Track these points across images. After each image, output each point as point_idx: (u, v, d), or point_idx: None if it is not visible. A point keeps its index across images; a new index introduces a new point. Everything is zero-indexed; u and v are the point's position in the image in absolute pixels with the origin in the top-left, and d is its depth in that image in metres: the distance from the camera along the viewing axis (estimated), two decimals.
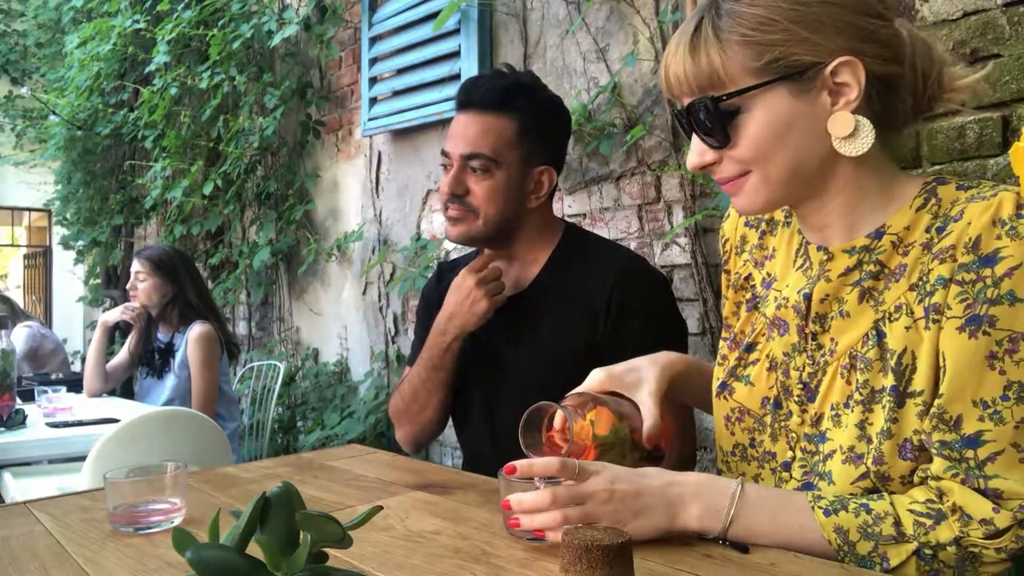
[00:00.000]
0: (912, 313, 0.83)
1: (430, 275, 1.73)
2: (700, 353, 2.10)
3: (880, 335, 0.86)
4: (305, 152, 3.94)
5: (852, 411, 0.86)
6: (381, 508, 0.66)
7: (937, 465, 0.80)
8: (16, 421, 2.43)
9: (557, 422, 0.94)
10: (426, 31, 2.92)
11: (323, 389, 3.73)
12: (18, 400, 2.52)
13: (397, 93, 3.18)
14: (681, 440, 1.33)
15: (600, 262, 1.42)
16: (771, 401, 0.96)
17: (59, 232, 6.57)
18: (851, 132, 0.83)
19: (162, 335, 2.99)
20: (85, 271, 6.45)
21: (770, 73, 0.83)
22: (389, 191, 3.39)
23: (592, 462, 0.86)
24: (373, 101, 3.31)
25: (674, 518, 0.83)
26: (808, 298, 0.91)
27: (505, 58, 2.69)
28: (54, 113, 5.59)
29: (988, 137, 1.53)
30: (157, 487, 0.97)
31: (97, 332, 3.05)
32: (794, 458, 0.93)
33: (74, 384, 3.19)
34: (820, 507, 0.82)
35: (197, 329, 2.86)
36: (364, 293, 3.58)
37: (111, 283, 5.81)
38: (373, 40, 3.28)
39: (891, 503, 0.81)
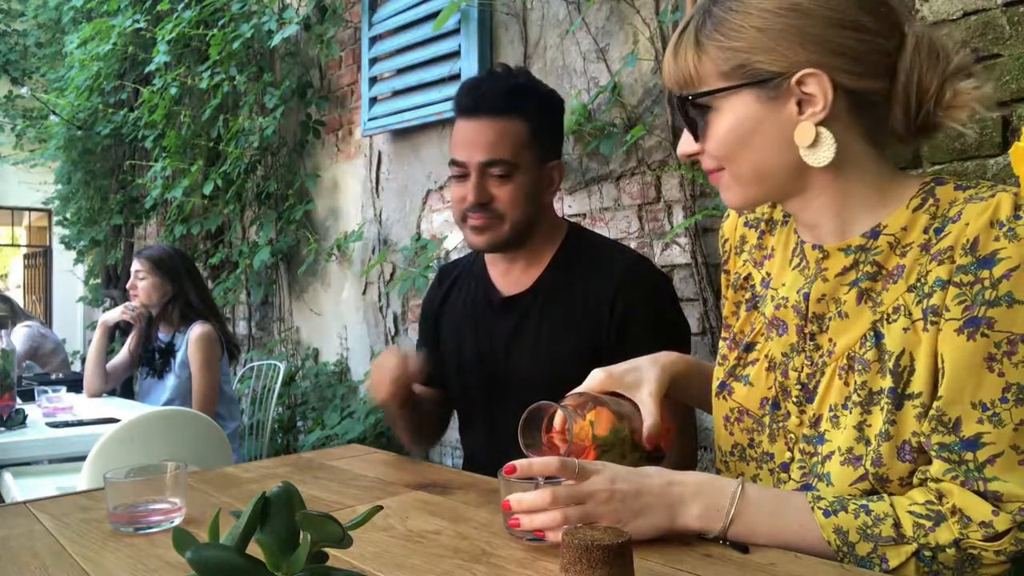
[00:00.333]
0: (910, 315, 0.83)
1: (431, 276, 1.73)
2: (700, 353, 2.10)
3: (878, 336, 0.86)
4: (305, 152, 3.94)
5: (850, 412, 0.86)
6: (381, 508, 0.66)
7: (936, 467, 0.80)
8: (16, 421, 2.43)
9: (557, 422, 0.94)
10: (426, 31, 2.92)
11: (323, 389, 3.73)
12: (18, 400, 2.52)
13: (397, 93, 3.18)
14: (682, 440, 1.33)
15: (604, 263, 1.41)
16: (769, 402, 0.96)
17: (59, 232, 6.57)
18: (812, 143, 0.84)
19: (162, 335, 2.99)
20: (85, 271, 6.45)
21: (736, 78, 0.86)
22: (389, 191, 3.39)
23: (592, 462, 0.86)
24: (373, 101, 3.31)
25: (674, 518, 0.84)
26: (807, 298, 0.91)
27: (505, 58, 2.69)
28: (54, 113, 5.59)
29: (988, 137, 1.53)
30: (157, 487, 0.97)
31: (97, 332, 3.05)
32: (792, 459, 0.93)
33: (74, 384, 3.19)
34: (820, 508, 0.82)
35: (198, 329, 2.86)
36: (364, 293, 3.58)
37: (111, 283, 5.82)
38: (373, 40, 3.28)
39: (891, 504, 0.81)
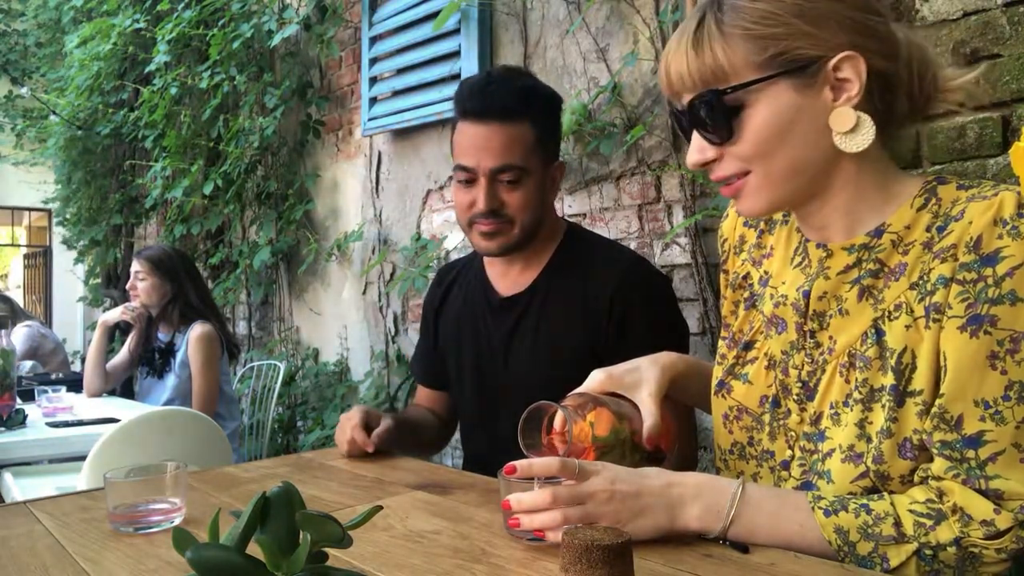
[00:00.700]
0: (912, 312, 0.83)
1: (431, 276, 1.73)
2: (700, 353, 2.10)
3: (879, 333, 0.86)
4: (305, 152, 3.94)
5: (851, 410, 0.86)
6: (381, 508, 0.66)
7: (938, 465, 0.80)
8: (16, 421, 2.43)
9: (557, 423, 0.93)
10: (426, 31, 2.92)
11: (323, 389, 3.73)
12: (18, 400, 2.52)
13: (397, 93, 3.18)
14: (682, 441, 1.33)
15: (602, 264, 1.41)
16: (769, 400, 0.96)
17: (59, 232, 6.57)
18: (852, 127, 0.84)
19: (162, 335, 2.99)
20: (85, 271, 6.45)
21: (773, 67, 0.83)
22: (389, 191, 3.39)
23: (592, 462, 0.86)
24: (373, 101, 3.31)
25: (674, 518, 0.83)
26: (807, 296, 0.91)
27: (505, 58, 2.69)
28: (54, 113, 5.60)
29: (988, 137, 1.53)
30: (157, 487, 0.97)
31: (97, 332, 3.05)
32: (793, 457, 0.93)
33: (74, 384, 3.19)
34: (820, 507, 0.82)
35: (198, 329, 2.86)
36: (364, 293, 3.58)
37: (111, 283, 5.82)
38: (373, 40, 3.28)
39: (891, 503, 0.81)
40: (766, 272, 1.01)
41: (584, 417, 0.93)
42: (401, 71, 3.17)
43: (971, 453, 0.78)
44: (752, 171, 0.87)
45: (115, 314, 3.03)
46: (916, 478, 0.83)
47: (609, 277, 1.38)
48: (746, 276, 1.05)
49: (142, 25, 4.42)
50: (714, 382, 1.04)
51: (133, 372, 3.17)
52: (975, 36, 1.54)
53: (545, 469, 0.84)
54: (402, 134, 3.26)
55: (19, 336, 4.02)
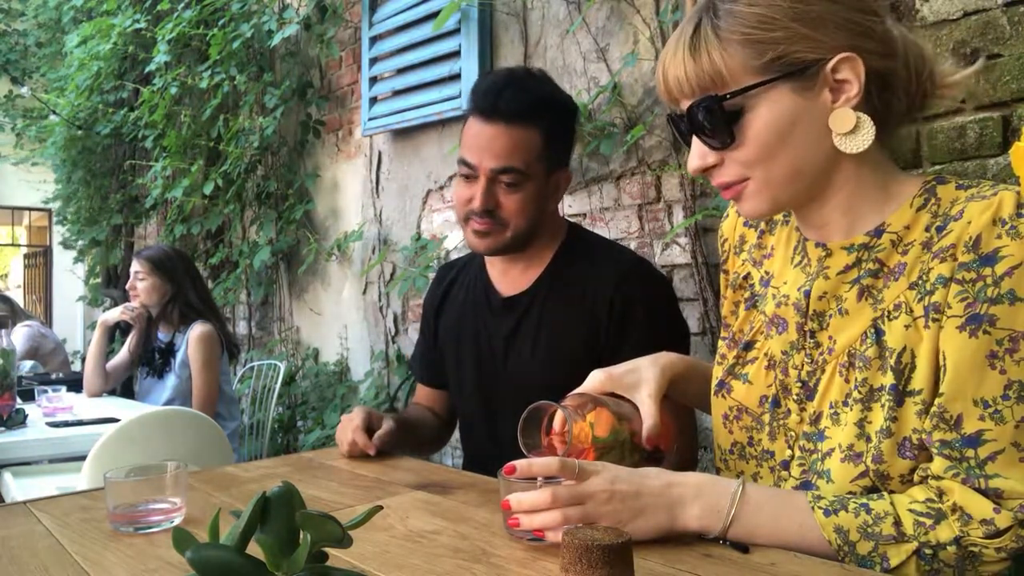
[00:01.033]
0: (911, 312, 0.83)
1: (431, 276, 1.72)
2: (700, 353, 2.10)
3: (879, 333, 0.86)
4: (305, 152, 3.94)
5: (851, 409, 0.86)
6: (381, 508, 0.66)
7: (937, 464, 0.80)
8: (16, 421, 2.43)
9: (556, 424, 0.93)
10: (426, 31, 2.92)
11: (323, 389, 3.73)
12: (18, 400, 2.52)
13: (397, 93, 3.18)
14: (682, 441, 1.33)
15: (603, 264, 1.41)
16: (769, 399, 0.96)
17: (59, 232, 6.57)
18: (852, 128, 0.84)
19: (162, 335, 2.99)
20: (85, 271, 6.45)
21: (772, 71, 0.83)
22: (389, 191, 3.39)
23: (592, 462, 0.86)
24: (373, 101, 3.31)
25: (674, 519, 0.83)
26: (808, 295, 0.91)
27: (505, 58, 2.69)
28: (54, 112, 5.60)
29: (988, 137, 1.53)
30: (157, 487, 0.97)
31: (97, 332, 3.05)
32: (793, 457, 0.93)
33: (74, 384, 3.19)
34: (820, 507, 0.82)
35: (198, 329, 2.86)
36: (364, 293, 3.58)
37: (111, 283, 5.82)
38: (373, 40, 3.28)
39: (891, 503, 0.81)
40: (767, 272, 1.01)
41: (584, 417, 0.93)
42: (401, 71, 3.17)
43: (970, 452, 0.78)
44: (752, 176, 0.87)
45: (115, 314, 3.03)
46: (916, 477, 0.83)
47: (609, 277, 1.38)
48: (747, 276, 1.05)
49: (142, 25, 4.42)
50: (714, 382, 1.04)
51: (133, 372, 3.17)
52: (975, 36, 1.54)
53: (545, 469, 0.84)
54: (402, 134, 3.26)
55: (19, 336, 4.02)
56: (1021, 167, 0.83)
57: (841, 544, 0.80)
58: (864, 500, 0.82)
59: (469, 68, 2.75)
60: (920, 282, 0.83)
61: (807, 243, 0.94)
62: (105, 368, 3.05)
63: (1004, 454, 0.77)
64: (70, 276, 7.62)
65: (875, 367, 0.85)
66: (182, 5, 4.18)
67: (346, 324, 3.71)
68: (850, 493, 0.85)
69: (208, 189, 3.99)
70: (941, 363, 0.80)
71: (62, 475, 2.40)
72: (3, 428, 2.38)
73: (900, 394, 0.83)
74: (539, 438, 0.94)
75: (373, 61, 3.29)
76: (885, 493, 0.83)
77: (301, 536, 0.58)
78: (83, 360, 4.28)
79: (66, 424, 2.48)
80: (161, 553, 0.86)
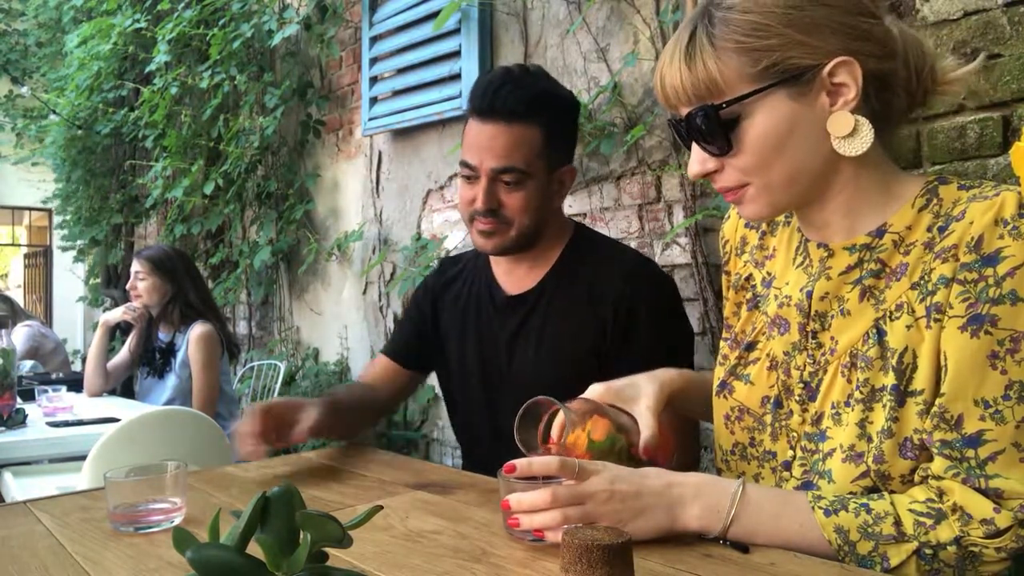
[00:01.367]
0: (913, 312, 0.83)
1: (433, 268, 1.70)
2: (700, 353, 2.10)
3: (880, 333, 0.86)
4: (305, 152, 3.94)
5: (852, 410, 0.86)
6: (381, 508, 0.66)
7: (938, 464, 0.80)
8: (16, 420, 2.43)
9: (554, 433, 0.93)
10: (426, 31, 2.92)
11: (323, 389, 3.73)
12: (18, 399, 2.52)
13: (397, 93, 3.18)
14: (683, 452, 1.33)
15: (609, 264, 1.41)
16: (771, 400, 0.96)
17: (59, 232, 6.58)
18: (850, 131, 0.84)
19: (163, 335, 2.99)
20: (85, 271, 6.45)
21: (768, 78, 0.83)
22: (389, 191, 3.39)
23: (593, 462, 0.86)
24: (373, 101, 3.31)
25: (675, 518, 0.83)
26: (810, 296, 0.91)
27: (505, 58, 2.69)
28: (54, 112, 5.60)
29: (988, 137, 1.53)
30: (157, 487, 0.97)
31: (98, 331, 3.05)
32: (794, 457, 0.93)
33: (74, 383, 3.19)
34: (820, 507, 0.82)
35: (198, 329, 2.86)
36: (364, 293, 3.58)
37: (111, 282, 5.82)
38: (373, 40, 3.28)
39: (891, 503, 0.81)
40: (769, 273, 1.01)
41: (583, 423, 0.92)
42: (401, 71, 3.17)
43: (971, 452, 0.78)
44: (752, 182, 0.87)
45: (116, 314, 3.03)
46: (916, 477, 0.83)
47: (616, 278, 1.37)
48: (748, 277, 1.05)
49: (142, 25, 4.42)
50: (715, 383, 1.04)
51: (133, 372, 3.17)
52: (975, 36, 1.54)
53: (545, 468, 0.84)
54: (402, 134, 3.26)
55: (19, 336, 4.02)
56: (1021, 167, 0.83)
57: (841, 544, 0.80)
58: (864, 500, 0.82)
59: (469, 68, 2.75)
60: (922, 282, 0.83)
61: (809, 244, 0.94)
62: (105, 368, 3.05)
63: (1004, 454, 0.77)
64: (70, 276, 7.62)
65: (877, 367, 0.85)
66: (182, 5, 4.18)
67: (346, 324, 3.71)
68: (851, 493, 0.85)
69: (208, 189, 3.99)
70: (942, 363, 0.80)
71: (62, 475, 2.40)
72: (3, 428, 2.38)
73: (901, 394, 0.83)
74: (535, 435, 0.94)
75: (373, 61, 3.29)
76: (885, 493, 0.83)
77: (301, 536, 0.58)
78: (83, 360, 4.29)
79: (66, 424, 2.48)
80: (161, 553, 0.86)
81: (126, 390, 3.75)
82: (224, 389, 2.92)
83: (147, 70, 4.41)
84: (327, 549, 0.60)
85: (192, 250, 4.70)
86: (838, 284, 0.90)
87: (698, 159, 0.89)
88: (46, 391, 2.73)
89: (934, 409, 0.80)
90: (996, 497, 0.77)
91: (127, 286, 3.02)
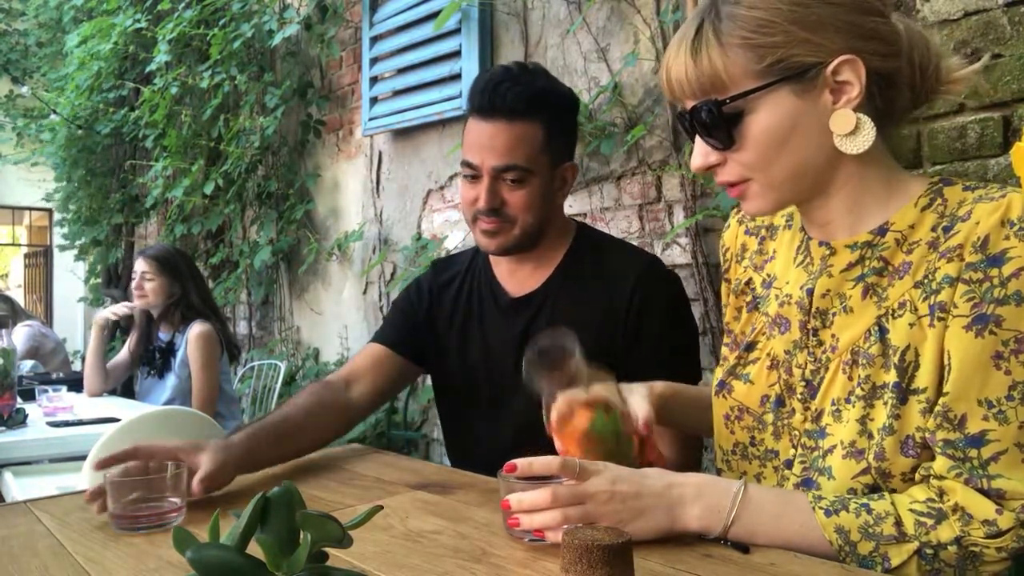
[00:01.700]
0: (916, 310, 0.83)
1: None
2: (700, 353, 2.09)
3: (882, 331, 0.85)
4: (306, 152, 3.94)
5: (853, 406, 0.86)
6: (381, 508, 0.66)
7: (940, 464, 0.80)
8: (17, 420, 2.43)
9: (553, 419, 0.95)
10: (427, 31, 2.92)
11: None
12: (19, 399, 2.52)
13: (398, 93, 3.18)
14: (683, 453, 1.33)
15: (618, 264, 1.40)
16: (772, 399, 0.96)
17: (60, 232, 6.58)
18: (852, 130, 0.84)
19: (163, 335, 2.99)
20: (86, 270, 6.45)
21: (772, 75, 0.83)
22: (389, 191, 3.39)
23: (593, 462, 0.86)
24: (374, 101, 3.31)
25: (675, 519, 0.83)
26: (811, 293, 0.91)
27: (505, 58, 2.69)
28: (55, 112, 5.60)
29: (989, 137, 1.53)
30: (157, 487, 0.97)
31: (93, 332, 3.05)
32: (796, 455, 0.93)
33: (74, 383, 3.19)
34: (821, 507, 0.82)
35: (197, 328, 2.86)
36: (365, 293, 3.58)
37: (111, 282, 5.81)
38: (374, 40, 3.28)
39: (892, 503, 0.81)
40: (769, 275, 1.01)
41: (588, 406, 0.94)
42: (402, 71, 3.17)
43: (974, 452, 0.78)
44: (754, 177, 0.88)
45: (106, 314, 3.04)
46: (917, 476, 0.83)
47: (626, 277, 1.37)
48: (748, 282, 1.05)
49: (143, 25, 4.42)
50: (715, 383, 1.04)
51: (133, 372, 3.17)
52: (976, 36, 1.54)
53: (545, 468, 0.84)
54: (403, 134, 3.26)
55: (20, 336, 4.01)
56: (1021, 167, 0.83)
57: (842, 544, 0.80)
58: (865, 500, 0.82)
59: (469, 68, 2.75)
60: (926, 281, 0.83)
61: (810, 242, 0.94)
62: (105, 367, 3.05)
63: (1007, 455, 0.77)
64: (70, 276, 7.62)
65: (878, 364, 0.85)
66: (183, 5, 4.18)
67: (346, 324, 3.71)
68: (851, 491, 0.85)
69: (208, 189, 3.99)
70: (946, 362, 0.80)
71: (62, 475, 2.40)
72: (3, 428, 2.38)
73: (903, 392, 0.82)
74: (544, 375, 0.98)
75: (373, 61, 3.29)
76: (886, 493, 0.83)
77: (301, 536, 0.58)
78: (83, 360, 4.29)
79: (66, 424, 2.48)
80: (161, 553, 0.86)
81: (126, 390, 3.75)
82: (224, 388, 2.92)
83: (147, 70, 4.40)
84: (327, 549, 0.60)
85: (192, 250, 4.70)
86: (840, 281, 0.90)
87: (701, 152, 0.89)
88: (46, 391, 2.73)
89: (937, 408, 0.80)
90: (998, 498, 0.77)
91: (132, 286, 3.01)
